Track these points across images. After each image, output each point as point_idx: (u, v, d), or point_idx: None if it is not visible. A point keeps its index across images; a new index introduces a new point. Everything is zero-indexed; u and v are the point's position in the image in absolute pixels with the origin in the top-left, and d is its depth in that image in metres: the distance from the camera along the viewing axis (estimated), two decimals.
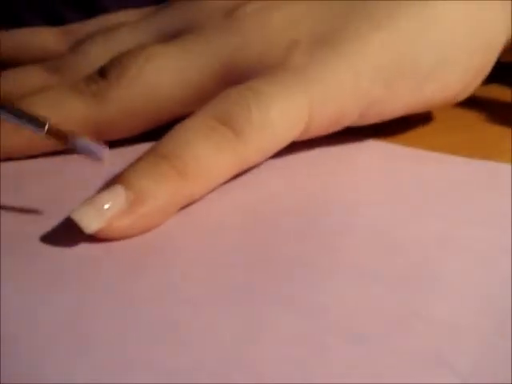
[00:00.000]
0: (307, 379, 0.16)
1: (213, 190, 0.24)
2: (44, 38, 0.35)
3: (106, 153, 0.22)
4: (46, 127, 0.22)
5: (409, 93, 0.27)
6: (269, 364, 0.17)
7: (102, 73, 0.28)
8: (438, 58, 0.27)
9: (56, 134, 0.22)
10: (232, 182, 0.25)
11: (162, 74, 0.27)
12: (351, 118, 0.27)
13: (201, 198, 0.24)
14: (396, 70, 0.27)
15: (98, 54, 0.29)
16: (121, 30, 0.31)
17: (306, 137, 0.26)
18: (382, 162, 0.27)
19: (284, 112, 0.25)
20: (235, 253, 0.21)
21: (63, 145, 0.22)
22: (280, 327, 0.18)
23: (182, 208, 0.24)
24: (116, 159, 0.27)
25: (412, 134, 0.30)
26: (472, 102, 0.33)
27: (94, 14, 0.35)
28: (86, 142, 0.22)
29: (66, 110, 0.27)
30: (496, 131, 0.30)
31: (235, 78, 0.26)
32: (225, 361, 0.17)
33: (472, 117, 0.32)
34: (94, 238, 0.22)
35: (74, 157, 0.28)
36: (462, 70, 0.28)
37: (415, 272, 0.20)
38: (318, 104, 0.25)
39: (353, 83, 0.26)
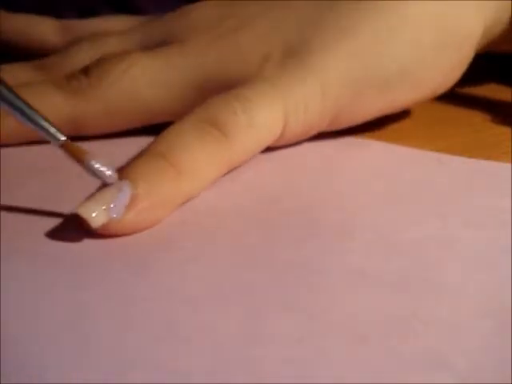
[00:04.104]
0: (308, 379, 0.16)
1: (207, 189, 0.25)
2: (44, 29, 0.36)
3: (115, 178, 0.22)
4: (62, 140, 0.22)
5: (377, 97, 0.28)
6: (269, 364, 0.17)
7: (85, 71, 0.29)
8: (404, 60, 0.28)
9: (71, 150, 0.22)
10: (232, 184, 0.25)
11: (142, 83, 0.29)
12: (322, 125, 0.28)
13: (196, 195, 0.24)
14: (362, 78, 0.28)
15: (83, 58, 0.30)
16: (107, 37, 0.32)
17: (281, 142, 0.28)
18: (381, 162, 0.27)
19: (265, 116, 0.26)
20: (235, 253, 0.21)
21: (77, 162, 0.22)
22: (280, 328, 0.18)
23: (181, 206, 0.24)
24: (114, 153, 0.27)
25: (411, 134, 0.30)
26: (472, 102, 0.33)
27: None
28: (98, 165, 0.22)
29: (46, 103, 0.27)
30: (496, 131, 0.30)
31: (215, 89, 0.28)
32: (225, 361, 0.17)
33: (472, 117, 0.32)
34: (95, 237, 0.22)
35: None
36: (433, 68, 0.29)
37: (415, 272, 0.20)
38: (291, 112, 0.27)
39: (320, 94, 0.27)
